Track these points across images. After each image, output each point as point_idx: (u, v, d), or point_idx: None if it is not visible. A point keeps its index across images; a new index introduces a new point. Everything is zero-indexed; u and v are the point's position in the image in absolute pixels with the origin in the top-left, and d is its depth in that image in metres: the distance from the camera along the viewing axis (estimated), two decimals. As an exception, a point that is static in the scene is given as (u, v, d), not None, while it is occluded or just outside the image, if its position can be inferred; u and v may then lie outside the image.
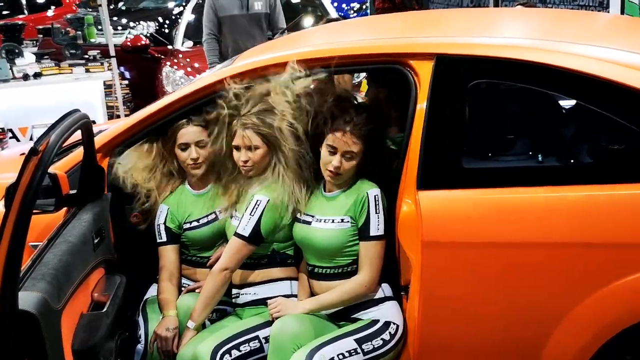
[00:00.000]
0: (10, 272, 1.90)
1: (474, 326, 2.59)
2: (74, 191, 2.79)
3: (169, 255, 3.08)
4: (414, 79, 2.69)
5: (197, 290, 3.03)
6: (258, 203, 2.80)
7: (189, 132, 3.02)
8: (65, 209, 2.83)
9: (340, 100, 2.81)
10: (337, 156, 2.68)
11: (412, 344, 2.66)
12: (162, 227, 3.08)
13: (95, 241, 2.73)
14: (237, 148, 2.87)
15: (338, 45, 3.03)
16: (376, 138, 2.76)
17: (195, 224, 3.08)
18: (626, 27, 3.38)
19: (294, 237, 2.87)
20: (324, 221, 2.76)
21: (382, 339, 2.66)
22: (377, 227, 2.69)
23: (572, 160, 2.79)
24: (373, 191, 2.71)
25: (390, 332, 2.68)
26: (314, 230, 2.78)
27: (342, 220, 2.73)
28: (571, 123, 2.95)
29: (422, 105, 2.62)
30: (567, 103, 2.99)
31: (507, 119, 2.98)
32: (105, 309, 2.57)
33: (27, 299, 2.02)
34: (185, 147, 3.03)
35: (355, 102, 2.89)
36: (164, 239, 3.08)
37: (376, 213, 2.69)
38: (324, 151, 2.71)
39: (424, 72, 2.65)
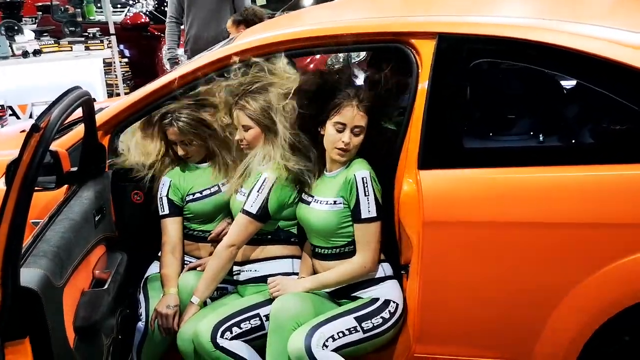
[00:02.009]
0: (12, 249, 1.90)
1: (474, 306, 2.60)
2: (75, 168, 2.79)
3: (171, 227, 3.08)
4: (415, 58, 2.68)
5: (198, 269, 3.04)
6: (265, 180, 2.80)
7: (172, 133, 3.05)
8: (66, 186, 2.83)
9: (343, 77, 2.81)
10: (347, 132, 2.67)
11: (412, 323, 2.67)
12: (165, 200, 3.08)
13: (97, 218, 2.73)
14: (236, 127, 2.91)
15: (339, 23, 3.01)
16: (378, 113, 2.74)
17: (198, 195, 3.09)
18: (629, 6, 3.36)
19: (297, 216, 2.88)
20: (320, 202, 2.76)
21: (381, 317, 2.67)
22: (367, 209, 2.68)
23: (572, 141, 2.79)
24: (360, 173, 2.68)
25: (390, 311, 2.69)
26: (311, 211, 2.78)
27: (335, 202, 2.72)
28: (572, 103, 2.95)
29: (423, 85, 2.61)
30: (568, 83, 2.98)
31: (508, 99, 2.98)
32: (106, 286, 2.58)
33: (29, 275, 2.02)
34: (174, 143, 3.08)
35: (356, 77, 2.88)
36: (167, 211, 3.08)
37: (365, 195, 2.67)
38: (331, 130, 2.68)
39: (426, 51, 2.64)
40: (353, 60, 6.85)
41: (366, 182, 2.67)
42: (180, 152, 3.06)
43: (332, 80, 2.78)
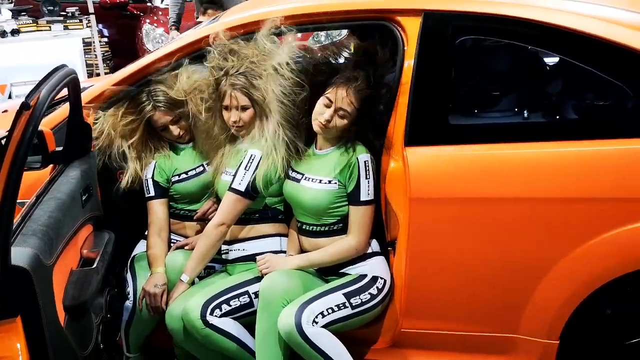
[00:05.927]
0: (2, 228, 1.89)
1: (461, 281, 2.63)
2: (60, 148, 2.78)
3: (157, 209, 3.08)
4: (401, 35, 2.68)
5: (186, 247, 3.04)
6: (252, 157, 2.80)
7: (160, 117, 3.03)
8: (51, 166, 2.82)
9: (353, 60, 2.83)
10: (331, 110, 2.68)
11: (399, 299, 2.70)
12: (150, 182, 3.08)
13: (84, 198, 2.72)
14: (227, 108, 2.87)
15: (325, 1, 3.01)
16: (371, 106, 2.72)
17: (183, 176, 3.09)
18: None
19: (283, 193, 2.88)
20: (312, 180, 2.77)
21: (369, 293, 2.70)
22: (367, 192, 2.70)
23: (557, 117, 2.81)
24: (363, 157, 2.71)
25: (377, 287, 2.72)
26: (302, 189, 2.79)
27: (330, 182, 2.74)
28: (557, 80, 2.97)
29: (409, 62, 2.62)
30: (553, 60, 3.00)
31: (494, 76, 2.99)
32: (95, 265, 2.57)
33: (19, 254, 2.02)
34: (164, 128, 3.06)
35: (363, 65, 2.83)
36: (152, 193, 3.08)
37: (366, 178, 2.70)
38: (319, 102, 2.70)
39: (411, 28, 2.65)
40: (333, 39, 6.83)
41: (368, 166, 2.70)
42: (175, 132, 3.05)
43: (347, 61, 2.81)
